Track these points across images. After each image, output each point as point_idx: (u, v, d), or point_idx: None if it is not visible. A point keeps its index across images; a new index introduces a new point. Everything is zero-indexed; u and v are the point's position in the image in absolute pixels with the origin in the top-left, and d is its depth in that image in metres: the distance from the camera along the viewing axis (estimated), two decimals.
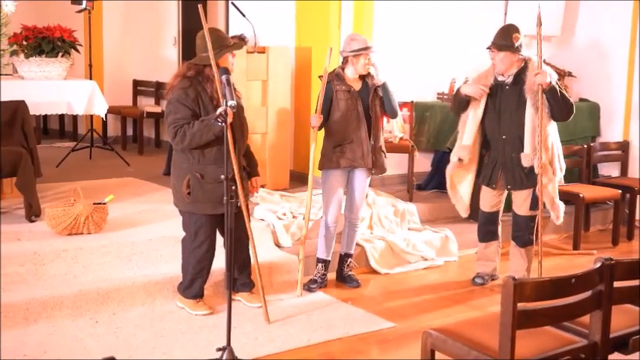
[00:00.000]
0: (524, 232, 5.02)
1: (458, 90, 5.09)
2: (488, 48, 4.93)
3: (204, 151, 4.18)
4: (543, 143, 4.75)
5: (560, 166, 4.95)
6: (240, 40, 4.39)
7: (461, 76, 7.10)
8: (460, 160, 5.03)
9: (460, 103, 5.02)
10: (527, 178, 4.89)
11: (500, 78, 4.92)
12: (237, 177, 4.14)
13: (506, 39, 4.82)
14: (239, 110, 4.24)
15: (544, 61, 6.37)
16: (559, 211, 4.98)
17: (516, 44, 4.80)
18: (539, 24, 4.73)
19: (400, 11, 6.89)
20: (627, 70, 7.17)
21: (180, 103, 4.15)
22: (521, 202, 4.99)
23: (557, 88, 4.72)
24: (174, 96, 4.19)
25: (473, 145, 5.00)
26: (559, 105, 4.75)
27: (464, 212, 5.22)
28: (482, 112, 4.93)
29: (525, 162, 4.84)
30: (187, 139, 4.11)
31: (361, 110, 4.84)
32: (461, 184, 5.13)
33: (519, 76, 4.84)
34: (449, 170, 5.13)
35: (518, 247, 5.08)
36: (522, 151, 4.83)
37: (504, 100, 4.88)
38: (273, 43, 6.75)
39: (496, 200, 5.10)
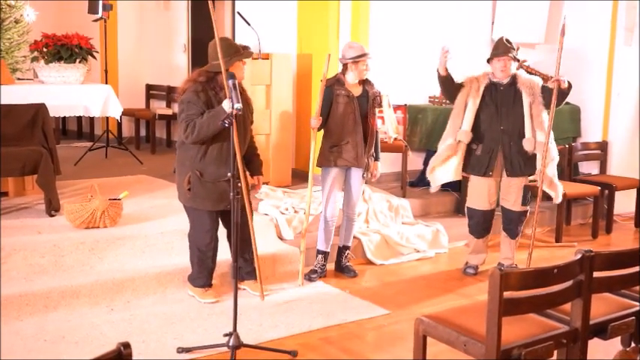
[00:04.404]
0: (516, 225, 5.11)
1: (438, 73, 5.02)
2: (489, 60, 5.01)
3: (207, 151, 4.17)
4: (542, 129, 4.87)
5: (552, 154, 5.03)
6: (245, 50, 4.36)
7: None
8: (459, 142, 5.00)
9: (445, 83, 5.04)
10: (525, 165, 4.98)
11: (495, 80, 5.00)
12: (241, 175, 4.14)
13: (504, 47, 4.93)
14: (245, 113, 4.24)
15: (528, 68, 6.43)
16: (558, 190, 5.06)
17: (513, 53, 4.94)
18: (563, 34, 4.87)
19: (394, 22, 6.90)
20: (606, 74, 7.16)
21: (192, 104, 4.14)
22: (514, 198, 5.03)
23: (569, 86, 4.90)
24: (186, 97, 4.18)
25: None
26: (562, 97, 4.91)
27: (435, 187, 5.20)
28: (479, 102, 4.96)
29: (528, 146, 4.91)
30: (196, 130, 4.09)
31: (358, 114, 4.83)
32: (440, 169, 5.09)
33: (513, 79, 4.98)
34: (439, 155, 5.09)
35: (509, 238, 5.16)
36: (520, 140, 4.91)
37: (501, 96, 4.97)
38: (276, 50, 6.74)
39: (493, 198, 5.10)
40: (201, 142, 4.15)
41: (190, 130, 4.11)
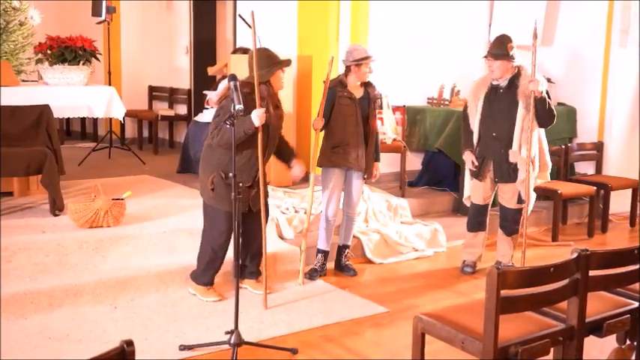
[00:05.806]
0: (511, 223, 5.11)
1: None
2: (484, 57, 4.99)
3: (236, 158, 4.18)
4: (527, 141, 4.78)
5: (548, 164, 5.00)
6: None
7: (449, 83, 7.12)
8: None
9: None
10: (514, 172, 4.94)
11: (495, 82, 4.96)
12: (261, 181, 4.16)
13: (501, 48, 4.86)
14: (277, 124, 4.33)
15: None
16: (530, 202, 5.02)
17: (511, 53, 4.85)
18: (535, 37, 4.78)
19: (393, 24, 6.90)
20: (602, 76, 7.17)
21: (229, 111, 4.13)
22: (510, 196, 5.03)
23: (547, 99, 4.76)
24: (225, 104, 4.18)
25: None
26: (545, 113, 4.79)
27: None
28: (480, 117, 4.97)
29: (512, 158, 4.88)
30: (221, 134, 4.13)
31: (360, 116, 4.83)
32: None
33: (513, 81, 4.90)
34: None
35: (505, 235, 5.15)
36: (511, 148, 4.86)
37: (498, 101, 4.93)
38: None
39: (488, 194, 5.11)
40: (225, 146, 4.15)
41: (216, 133, 4.16)
